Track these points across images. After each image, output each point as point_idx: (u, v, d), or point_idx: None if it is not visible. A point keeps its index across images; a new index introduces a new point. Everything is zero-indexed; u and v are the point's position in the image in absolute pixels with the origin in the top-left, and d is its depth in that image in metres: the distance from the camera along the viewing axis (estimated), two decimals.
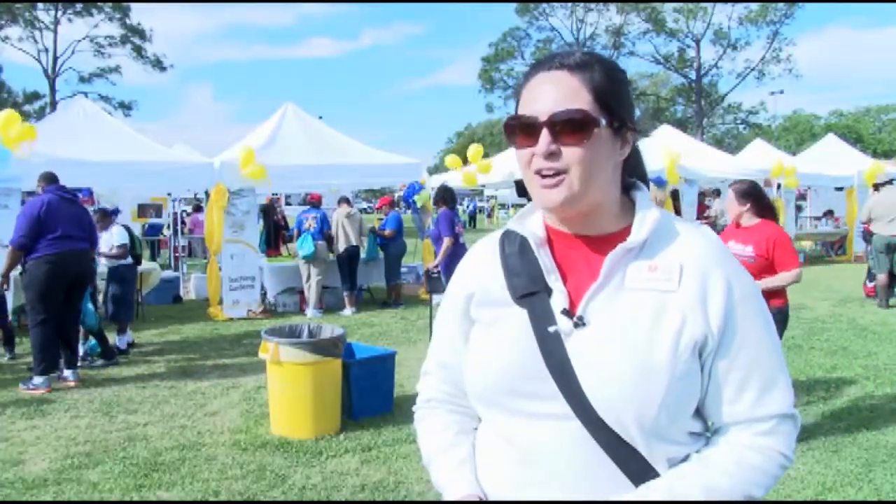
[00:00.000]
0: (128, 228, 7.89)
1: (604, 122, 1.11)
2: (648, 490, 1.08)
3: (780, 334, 4.28)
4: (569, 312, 1.12)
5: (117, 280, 7.57)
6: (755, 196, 4.51)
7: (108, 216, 7.89)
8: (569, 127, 1.09)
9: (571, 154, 1.09)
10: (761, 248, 4.36)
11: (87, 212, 6.76)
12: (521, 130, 1.13)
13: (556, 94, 1.11)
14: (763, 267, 4.35)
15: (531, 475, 1.14)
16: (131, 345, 7.71)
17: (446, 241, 7.83)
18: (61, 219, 6.07)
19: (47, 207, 6.03)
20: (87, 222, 6.45)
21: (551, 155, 1.10)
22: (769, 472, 1.13)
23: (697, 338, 1.10)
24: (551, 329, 1.12)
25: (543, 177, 1.11)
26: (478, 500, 1.19)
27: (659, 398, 1.06)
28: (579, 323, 1.11)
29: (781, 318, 4.45)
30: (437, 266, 7.99)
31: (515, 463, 1.16)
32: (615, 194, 1.19)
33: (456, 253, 8.01)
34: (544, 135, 1.10)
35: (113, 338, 7.34)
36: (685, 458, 1.14)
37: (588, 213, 1.16)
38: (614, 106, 1.12)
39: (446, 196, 8.43)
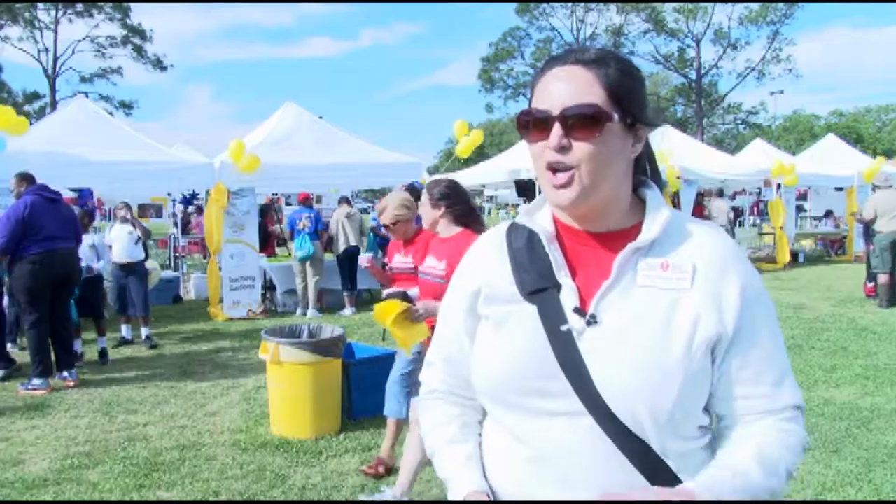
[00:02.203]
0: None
1: (616, 117, 1.10)
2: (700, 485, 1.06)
3: None
4: (580, 310, 1.13)
5: (139, 276, 7.92)
6: (454, 198, 3.57)
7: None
8: (581, 121, 1.09)
9: (582, 149, 1.09)
10: (454, 267, 3.62)
11: (71, 210, 6.77)
12: (533, 125, 1.13)
13: (569, 88, 1.11)
14: None
15: (544, 473, 1.14)
16: (149, 338, 8.01)
17: None
18: (45, 219, 6.06)
19: (31, 209, 6.01)
20: (71, 221, 6.46)
21: (562, 149, 1.10)
22: (798, 454, 1.15)
23: (711, 336, 1.11)
24: (563, 327, 1.12)
25: (555, 173, 1.11)
26: (485, 498, 1.19)
27: (673, 395, 1.07)
28: (591, 321, 1.11)
29: None
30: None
31: (527, 461, 1.15)
32: (626, 191, 1.19)
33: None
34: (556, 128, 1.10)
35: (104, 338, 7.33)
36: (697, 452, 1.14)
37: (599, 209, 1.16)
38: (627, 102, 1.12)
39: (413, 195, 8.49)
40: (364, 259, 4.36)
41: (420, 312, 3.31)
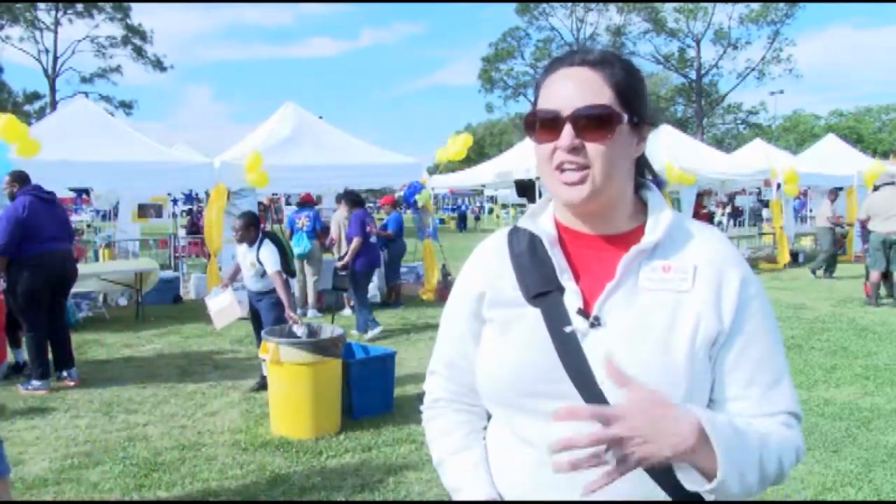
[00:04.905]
0: (274, 238, 6.09)
1: (626, 117, 1.12)
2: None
3: None
4: (584, 312, 1.13)
5: (270, 304, 6.04)
6: None
7: (257, 225, 6.00)
8: (593, 122, 1.09)
9: (595, 149, 1.10)
10: None
11: (65, 211, 6.76)
12: (542, 125, 1.13)
13: (578, 89, 1.11)
14: None
15: (550, 476, 1.13)
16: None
17: (355, 242, 8.31)
18: (43, 220, 6.03)
19: (29, 210, 5.97)
20: (66, 222, 6.45)
21: (574, 149, 1.10)
22: (793, 457, 1.12)
23: (710, 336, 1.11)
24: (567, 329, 1.12)
25: (564, 172, 1.11)
26: (495, 502, 1.19)
27: (677, 397, 1.07)
28: (595, 323, 1.12)
29: None
30: (344, 264, 8.56)
31: (534, 464, 1.15)
32: (630, 192, 1.20)
33: (366, 252, 8.41)
34: (567, 129, 1.10)
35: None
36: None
37: (605, 208, 1.16)
38: (633, 102, 1.13)
39: (353, 199, 9.00)
40: None
41: None
